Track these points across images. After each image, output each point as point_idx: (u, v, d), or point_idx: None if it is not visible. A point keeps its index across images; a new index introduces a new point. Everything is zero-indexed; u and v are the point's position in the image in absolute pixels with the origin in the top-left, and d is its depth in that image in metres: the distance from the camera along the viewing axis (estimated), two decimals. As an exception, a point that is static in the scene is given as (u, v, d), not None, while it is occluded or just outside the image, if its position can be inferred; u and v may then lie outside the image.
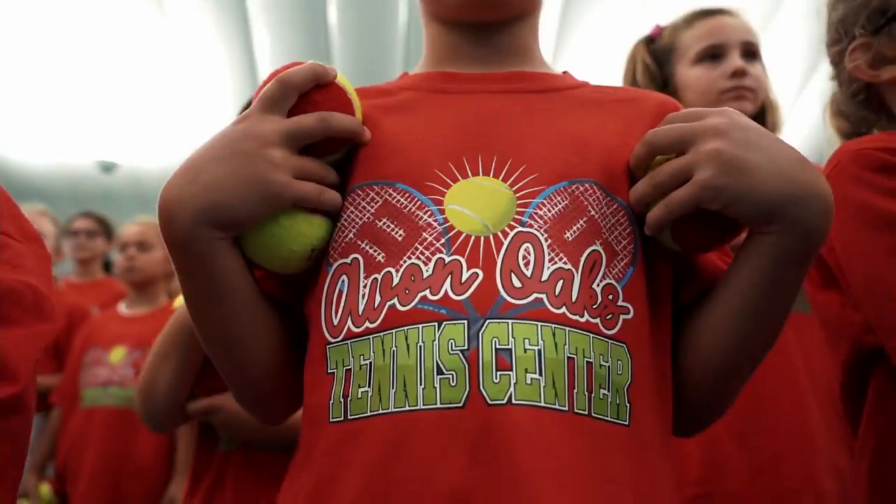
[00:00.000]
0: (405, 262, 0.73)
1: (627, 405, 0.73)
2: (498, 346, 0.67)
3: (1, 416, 0.72)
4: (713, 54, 1.76)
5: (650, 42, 1.99)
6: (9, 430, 0.74)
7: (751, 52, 1.82)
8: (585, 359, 0.69)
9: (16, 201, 1.02)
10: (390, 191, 0.77)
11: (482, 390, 0.66)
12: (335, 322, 0.75)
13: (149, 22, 9.28)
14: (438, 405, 0.66)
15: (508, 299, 0.70)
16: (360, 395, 0.70)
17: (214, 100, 10.55)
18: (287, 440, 1.29)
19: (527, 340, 0.67)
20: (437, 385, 0.66)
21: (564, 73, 1.05)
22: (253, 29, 9.86)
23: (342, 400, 0.71)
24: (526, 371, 0.67)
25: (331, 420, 0.72)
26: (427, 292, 0.71)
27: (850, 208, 1.01)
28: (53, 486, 3.04)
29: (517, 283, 0.71)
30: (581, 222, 0.77)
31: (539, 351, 0.68)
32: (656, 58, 1.92)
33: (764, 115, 1.90)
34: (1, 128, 9.53)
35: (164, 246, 0.82)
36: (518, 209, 0.76)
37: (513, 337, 0.67)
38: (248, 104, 0.95)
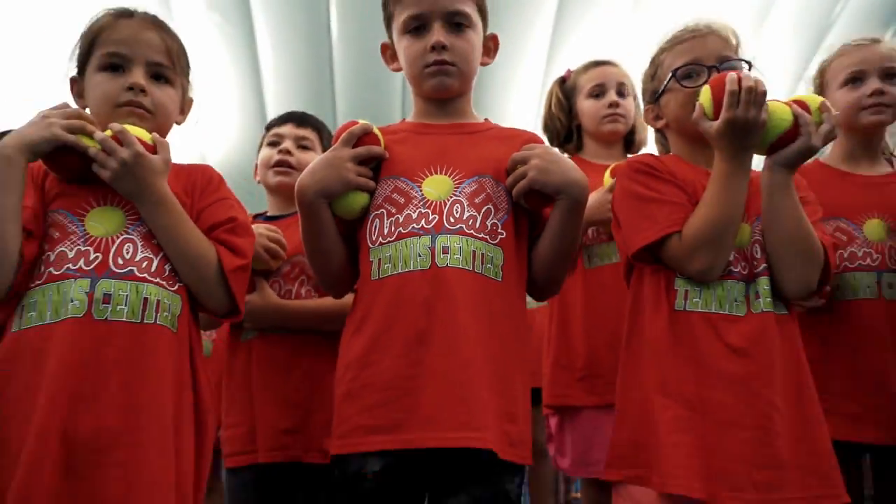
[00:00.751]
0: (404, 213, 1.64)
1: (501, 273, 1.63)
2: (443, 245, 1.57)
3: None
4: (597, 93, 2.75)
5: (562, 82, 2.94)
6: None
7: (622, 93, 2.75)
8: (481, 252, 1.60)
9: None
10: (397, 181, 1.70)
11: (436, 262, 1.56)
12: (373, 238, 1.65)
13: None
14: (419, 268, 1.57)
15: (448, 226, 1.60)
16: (384, 269, 1.59)
17: (219, 107, 10.78)
18: (286, 326, 2.00)
19: (455, 242, 1.58)
20: (418, 261, 1.57)
21: (485, 119, 1.98)
22: (259, 43, 10.16)
23: (377, 271, 1.60)
24: (454, 254, 1.57)
25: (371, 279, 1.61)
26: (413, 225, 1.61)
27: (622, 187, 1.97)
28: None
29: (452, 220, 1.62)
30: (483, 195, 1.69)
31: (460, 247, 1.58)
32: (566, 94, 2.86)
33: (633, 134, 2.84)
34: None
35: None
36: (455, 189, 1.68)
37: (450, 241, 1.58)
38: (330, 136, 2.29)
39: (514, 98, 11.45)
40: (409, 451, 1.34)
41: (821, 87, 2.43)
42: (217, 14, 9.54)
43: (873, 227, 2.13)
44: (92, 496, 1.20)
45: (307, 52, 10.43)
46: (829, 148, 2.45)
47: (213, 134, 11.06)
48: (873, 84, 2.20)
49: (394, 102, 11.27)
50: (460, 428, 1.35)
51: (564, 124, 2.79)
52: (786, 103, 1.79)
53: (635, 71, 9.24)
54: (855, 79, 2.26)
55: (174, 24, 8.71)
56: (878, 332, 2.04)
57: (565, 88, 2.83)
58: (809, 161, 1.85)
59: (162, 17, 8.38)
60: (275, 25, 9.94)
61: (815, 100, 1.81)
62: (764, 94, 1.69)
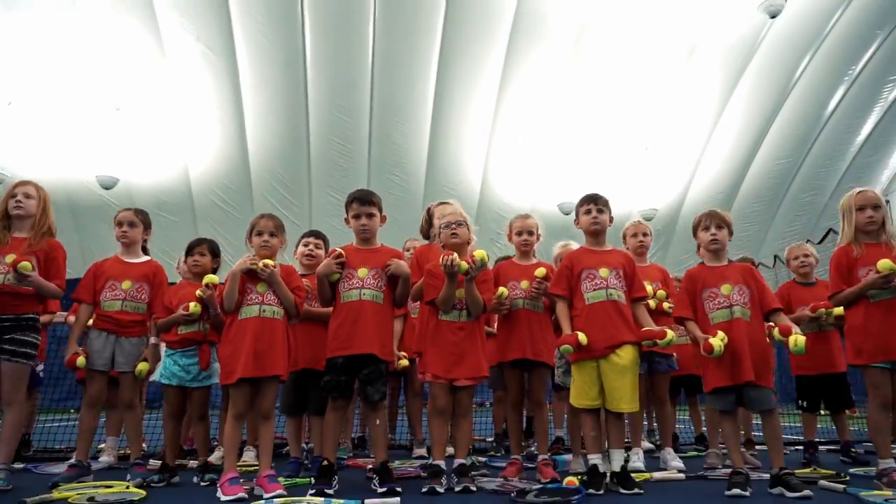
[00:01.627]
0: (351, 280, 3.72)
1: (383, 299, 3.80)
2: (362, 292, 3.70)
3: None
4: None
5: (429, 210, 4.56)
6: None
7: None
8: (374, 293, 3.73)
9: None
10: (349, 269, 3.72)
11: (361, 297, 3.69)
12: (341, 288, 3.73)
13: (151, 61, 10.68)
14: (356, 300, 3.69)
15: (366, 286, 3.76)
16: (343, 298, 3.72)
17: (203, 124, 11.87)
18: (310, 318, 4.07)
19: (367, 290, 3.71)
20: (355, 296, 3.69)
21: (381, 244, 3.89)
22: (241, 74, 11.22)
23: (342, 299, 3.73)
24: (367, 295, 3.69)
25: (341, 302, 3.73)
26: (355, 284, 3.72)
27: None
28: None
29: (368, 283, 3.75)
30: (377, 273, 3.77)
31: (370, 292, 3.72)
32: (430, 217, 4.49)
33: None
34: (15, 150, 10.54)
35: None
36: (368, 272, 3.72)
37: (365, 291, 3.69)
38: (328, 243, 4.67)
39: (469, 125, 12.74)
40: (351, 355, 3.61)
41: (432, 219, 4.44)
42: (203, 44, 10.66)
43: None
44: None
45: (283, 77, 11.57)
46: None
47: (196, 147, 12.10)
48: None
49: (361, 123, 12.48)
50: (365, 346, 3.59)
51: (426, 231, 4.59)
52: None
53: (575, 99, 10.71)
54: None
55: (165, 54, 10.05)
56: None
57: (430, 214, 4.51)
58: None
59: (154, 48, 9.74)
60: (254, 53, 10.97)
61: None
62: None
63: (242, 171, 12.33)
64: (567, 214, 12.90)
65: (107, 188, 11.45)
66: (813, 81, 13.04)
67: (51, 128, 11.08)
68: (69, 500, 3.17)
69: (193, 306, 3.68)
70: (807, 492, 3.08)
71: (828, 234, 13.63)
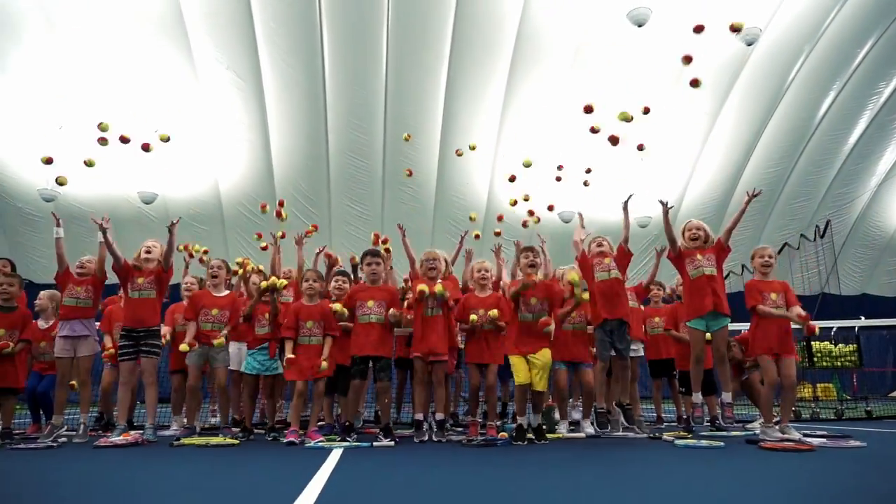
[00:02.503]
0: (361, 307, 5.31)
1: (384, 320, 5.36)
2: (369, 317, 5.29)
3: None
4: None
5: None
6: None
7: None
8: (379, 317, 5.33)
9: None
10: (362, 301, 5.34)
11: (370, 320, 5.32)
12: (357, 314, 5.37)
13: (186, 87, 11.83)
14: (371, 321, 5.31)
15: (371, 312, 5.34)
16: (360, 320, 5.33)
17: (232, 143, 12.94)
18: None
19: (373, 316, 5.29)
20: (369, 318, 5.28)
21: (383, 284, 5.69)
22: (267, 96, 12.29)
23: (358, 320, 5.33)
24: (373, 317, 5.30)
25: (358, 322, 5.35)
26: (368, 311, 5.31)
27: None
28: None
29: (374, 310, 5.34)
30: (382, 304, 5.35)
31: (376, 317, 5.32)
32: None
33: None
34: (65, 170, 11.55)
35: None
36: (375, 304, 5.32)
37: (372, 316, 5.28)
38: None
39: (475, 139, 13.66)
40: (365, 356, 5.26)
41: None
42: (233, 72, 11.77)
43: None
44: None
45: (304, 99, 12.62)
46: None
47: (226, 164, 13.18)
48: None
49: (375, 140, 13.48)
50: (373, 351, 5.20)
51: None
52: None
53: (573, 114, 11.70)
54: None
55: (199, 80, 11.32)
56: None
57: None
58: None
59: (188, 73, 11.01)
60: (278, 79, 12.07)
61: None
62: None
63: (268, 185, 13.37)
64: (567, 222, 13.82)
65: (147, 203, 12.46)
66: (800, 94, 13.84)
67: (96, 148, 12.14)
68: (194, 443, 4.90)
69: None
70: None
71: (784, 247, 14.48)
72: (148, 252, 5.22)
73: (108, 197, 13.02)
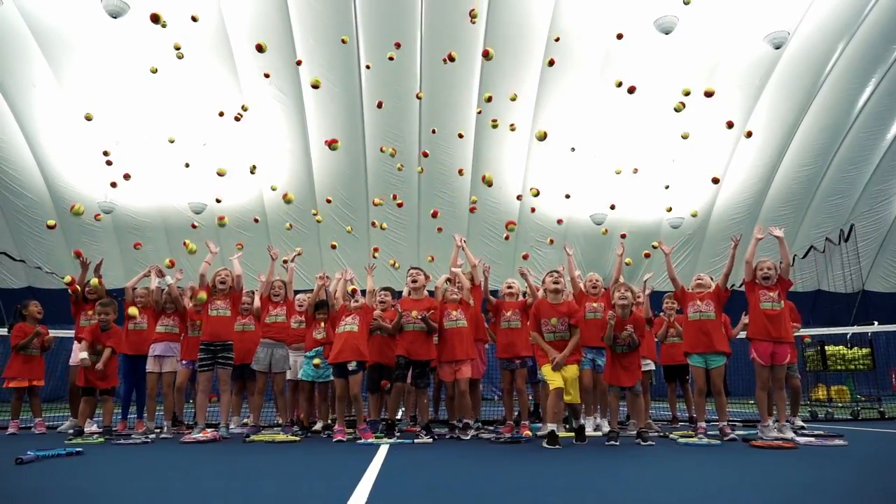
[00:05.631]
0: (406, 317, 6.16)
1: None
2: (413, 325, 6.20)
3: None
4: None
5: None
6: None
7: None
8: (419, 326, 6.24)
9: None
10: (406, 311, 6.20)
11: (414, 328, 6.19)
12: (403, 324, 6.24)
13: (232, 102, 12.40)
14: (413, 329, 6.22)
15: (412, 321, 6.22)
16: (405, 328, 6.18)
17: (275, 155, 13.64)
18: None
19: (416, 323, 6.15)
20: (413, 327, 6.17)
21: (425, 297, 6.61)
22: (306, 107, 12.95)
23: (403, 328, 6.20)
24: (414, 325, 6.18)
25: (405, 329, 6.21)
26: (409, 322, 6.18)
27: None
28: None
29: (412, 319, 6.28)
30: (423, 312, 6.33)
31: (419, 323, 6.20)
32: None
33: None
34: (122, 183, 12.34)
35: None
36: (418, 314, 6.21)
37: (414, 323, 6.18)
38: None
39: (508, 146, 14.16)
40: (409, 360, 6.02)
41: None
42: (275, 87, 12.48)
43: None
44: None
45: (343, 111, 13.29)
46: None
47: (270, 174, 13.84)
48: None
49: (411, 147, 14.00)
50: (416, 356, 6.04)
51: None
52: None
53: (603, 120, 12.14)
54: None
55: (243, 96, 12.15)
56: None
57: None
58: None
59: (232, 88, 11.86)
60: (318, 92, 12.36)
61: None
62: None
63: (309, 193, 14.02)
64: (599, 224, 14.21)
65: (197, 213, 13.23)
66: (834, 92, 13.80)
67: (150, 162, 12.93)
68: (263, 439, 5.55)
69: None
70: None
71: (809, 250, 14.53)
72: (223, 282, 6.10)
73: (160, 207, 13.91)
